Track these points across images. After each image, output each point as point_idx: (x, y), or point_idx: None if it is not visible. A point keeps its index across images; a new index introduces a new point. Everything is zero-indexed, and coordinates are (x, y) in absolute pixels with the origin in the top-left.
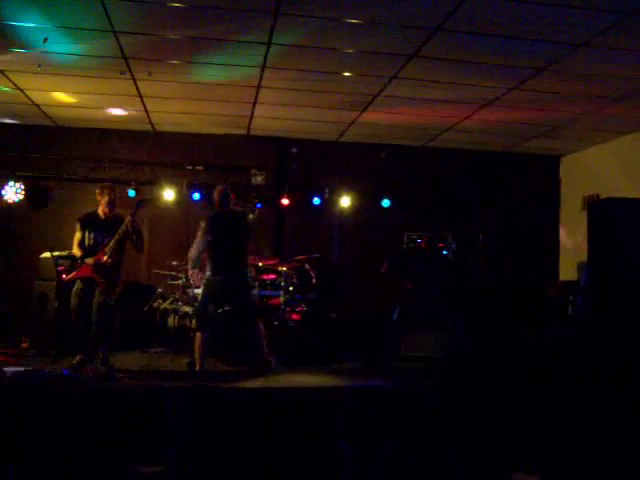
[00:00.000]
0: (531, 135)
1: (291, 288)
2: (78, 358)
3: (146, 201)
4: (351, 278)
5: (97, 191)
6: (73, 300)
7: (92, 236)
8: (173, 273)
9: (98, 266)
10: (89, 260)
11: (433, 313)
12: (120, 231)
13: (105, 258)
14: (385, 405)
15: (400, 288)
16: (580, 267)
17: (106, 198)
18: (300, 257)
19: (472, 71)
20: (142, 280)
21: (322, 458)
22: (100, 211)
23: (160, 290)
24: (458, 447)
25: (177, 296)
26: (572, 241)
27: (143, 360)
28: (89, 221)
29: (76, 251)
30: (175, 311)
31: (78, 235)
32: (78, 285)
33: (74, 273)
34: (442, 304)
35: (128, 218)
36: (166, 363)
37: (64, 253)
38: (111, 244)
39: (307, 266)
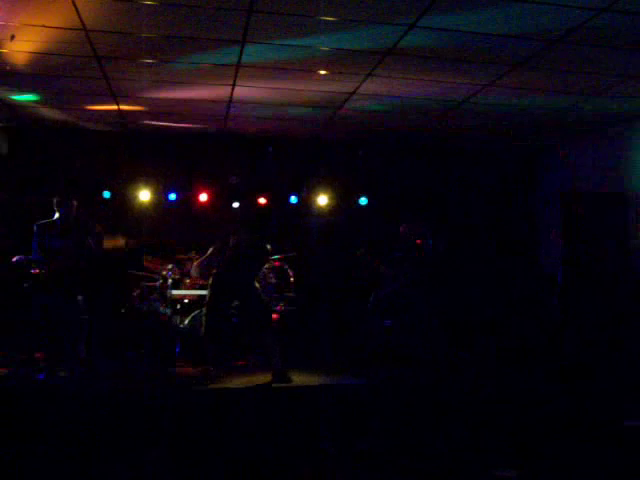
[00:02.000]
0: (508, 131)
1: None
2: (41, 361)
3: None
4: (330, 276)
5: (55, 200)
6: (36, 307)
7: (50, 242)
8: (150, 274)
9: (61, 270)
10: (52, 264)
11: (407, 302)
12: (80, 235)
13: (66, 261)
14: (364, 402)
15: (375, 272)
16: (557, 262)
17: (65, 209)
18: (278, 256)
19: (448, 67)
20: (119, 281)
21: (305, 457)
22: (58, 219)
23: (137, 291)
24: (436, 443)
25: (154, 297)
26: (549, 236)
27: (121, 363)
28: (46, 228)
29: (35, 258)
30: (152, 312)
31: (36, 242)
32: (38, 292)
33: (34, 277)
34: (416, 292)
35: (90, 223)
36: (144, 365)
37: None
38: (70, 249)
39: (285, 265)
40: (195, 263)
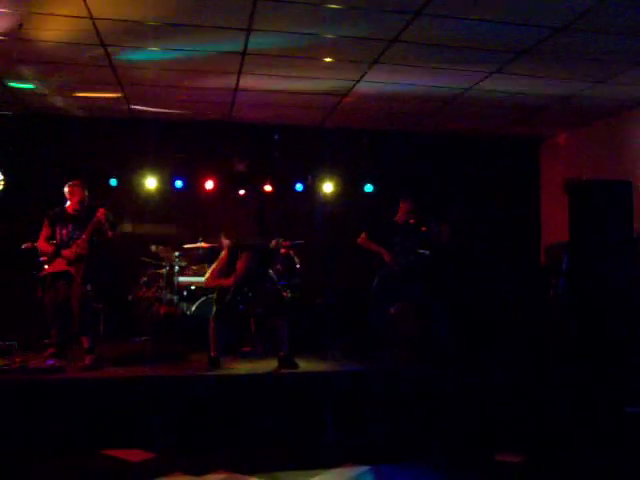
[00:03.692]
0: (513, 119)
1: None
2: (50, 351)
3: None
4: (335, 263)
5: (66, 189)
6: (47, 295)
7: (64, 232)
8: (157, 261)
9: (73, 258)
10: (65, 253)
11: (409, 289)
12: (93, 222)
13: (79, 250)
14: (369, 389)
15: (377, 257)
16: (563, 250)
17: (77, 197)
18: (284, 243)
19: (453, 55)
20: (125, 269)
21: (308, 442)
22: (69, 208)
23: (144, 279)
24: (442, 429)
25: (161, 284)
26: (554, 224)
27: (129, 349)
28: (59, 217)
29: (44, 246)
30: (159, 299)
31: (46, 231)
32: (52, 280)
33: (48, 268)
34: (417, 280)
35: (100, 212)
36: (152, 352)
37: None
38: (84, 236)
39: (291, 252)
40: (208, 274)
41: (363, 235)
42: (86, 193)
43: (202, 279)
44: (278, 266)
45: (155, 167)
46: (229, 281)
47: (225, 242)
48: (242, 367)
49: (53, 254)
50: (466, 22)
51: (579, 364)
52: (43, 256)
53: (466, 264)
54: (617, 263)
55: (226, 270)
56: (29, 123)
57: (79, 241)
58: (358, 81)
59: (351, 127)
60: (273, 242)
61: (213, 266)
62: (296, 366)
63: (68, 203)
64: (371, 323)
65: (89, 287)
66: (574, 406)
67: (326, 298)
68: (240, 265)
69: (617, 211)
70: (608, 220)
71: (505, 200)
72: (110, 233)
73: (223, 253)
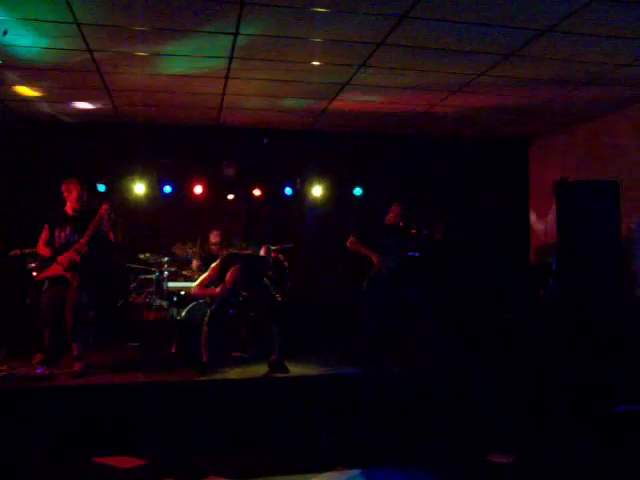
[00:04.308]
0: (500, 120)
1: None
2: (39, 357)
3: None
4: (325, 266)
5: (62, 188)
6: (44, 298)
7: (62, 235)
8: (146, 267)
9: (71, 264)
10: (61, 258)
11: (400, 290)
12: (94, 222)
13: (77, 255)
14: (362, 392)
15: (366, 259)
16: (552, 250)
17: (74, 194)
18: (274, 247)
19: (440, 58)
20: (115, 275)
21: (301, 446)
22: (68, 208)
23: (134, 285)
24: (434, 429)
25: (151, 290)
26: (543, 225)
27: (119, 356)
28: (58, 221)
29: (43, 250)
30: (149, 305)
31: (45, 236)
32: (48, 284)
33: (44, 272)
34: (409, 281)
35: (104, 208)
36: (142, 358)
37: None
38: (83, 240)
39: (281, 256)
40: (198, 283)
41: (352, 238)
42: (84, 190)
43: (192, 284)
44: (269, 272)
45: (143, 172)
46: (216, 291)
47: (215, 238)
48: (233, 372)
49: (50, 258)
50: (452, 25)
51: (571, 364)
52: (41, 260)
53: (457, 265)
54: (605, 262)
55: (216, 280)
56: (14, 129)
57: (77, 245)
58: (346, 84)
59: (340, 130)
60: (262, 250)
61: (204, 275)
62: (287, 370)
63: (67, 204)
64: (362, 325)
65: (85, 296)
66: (565, 405)
67: (316, 301)
68: (228, 277)
69: (604, 211)
70: (596, 220)
71: (494, 202)
72: (112, 235)
73: (216, 262)
